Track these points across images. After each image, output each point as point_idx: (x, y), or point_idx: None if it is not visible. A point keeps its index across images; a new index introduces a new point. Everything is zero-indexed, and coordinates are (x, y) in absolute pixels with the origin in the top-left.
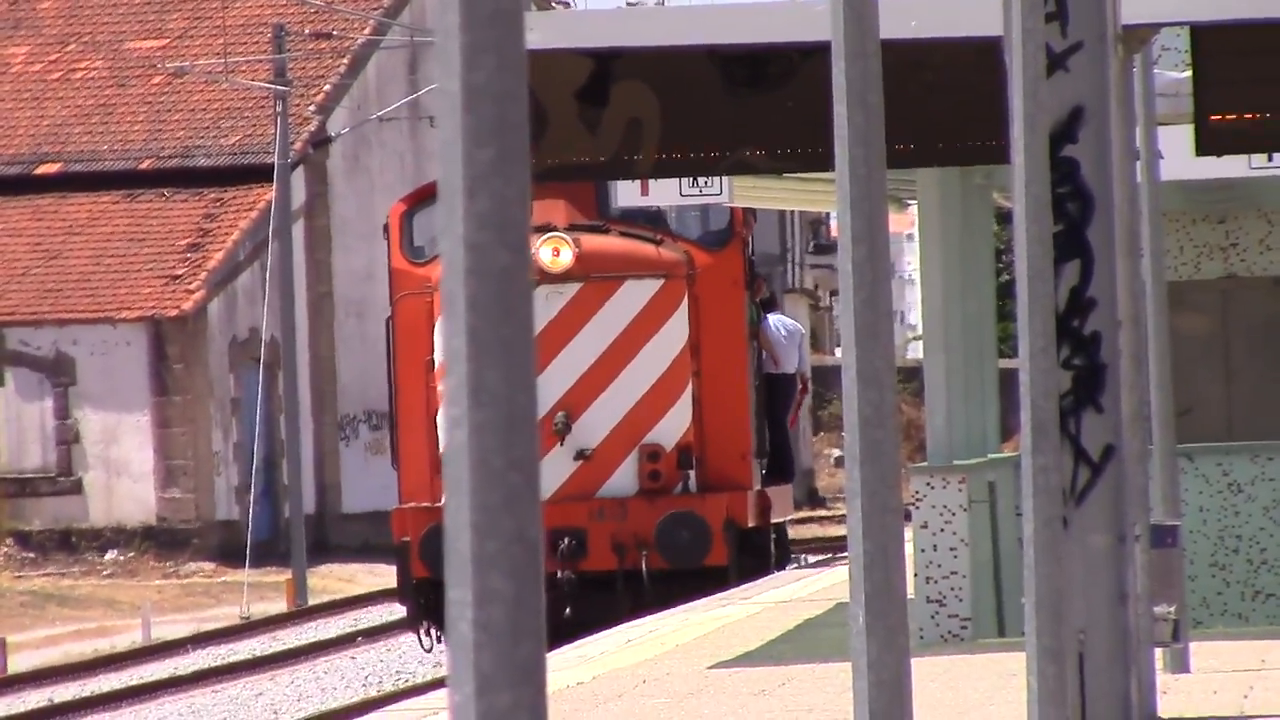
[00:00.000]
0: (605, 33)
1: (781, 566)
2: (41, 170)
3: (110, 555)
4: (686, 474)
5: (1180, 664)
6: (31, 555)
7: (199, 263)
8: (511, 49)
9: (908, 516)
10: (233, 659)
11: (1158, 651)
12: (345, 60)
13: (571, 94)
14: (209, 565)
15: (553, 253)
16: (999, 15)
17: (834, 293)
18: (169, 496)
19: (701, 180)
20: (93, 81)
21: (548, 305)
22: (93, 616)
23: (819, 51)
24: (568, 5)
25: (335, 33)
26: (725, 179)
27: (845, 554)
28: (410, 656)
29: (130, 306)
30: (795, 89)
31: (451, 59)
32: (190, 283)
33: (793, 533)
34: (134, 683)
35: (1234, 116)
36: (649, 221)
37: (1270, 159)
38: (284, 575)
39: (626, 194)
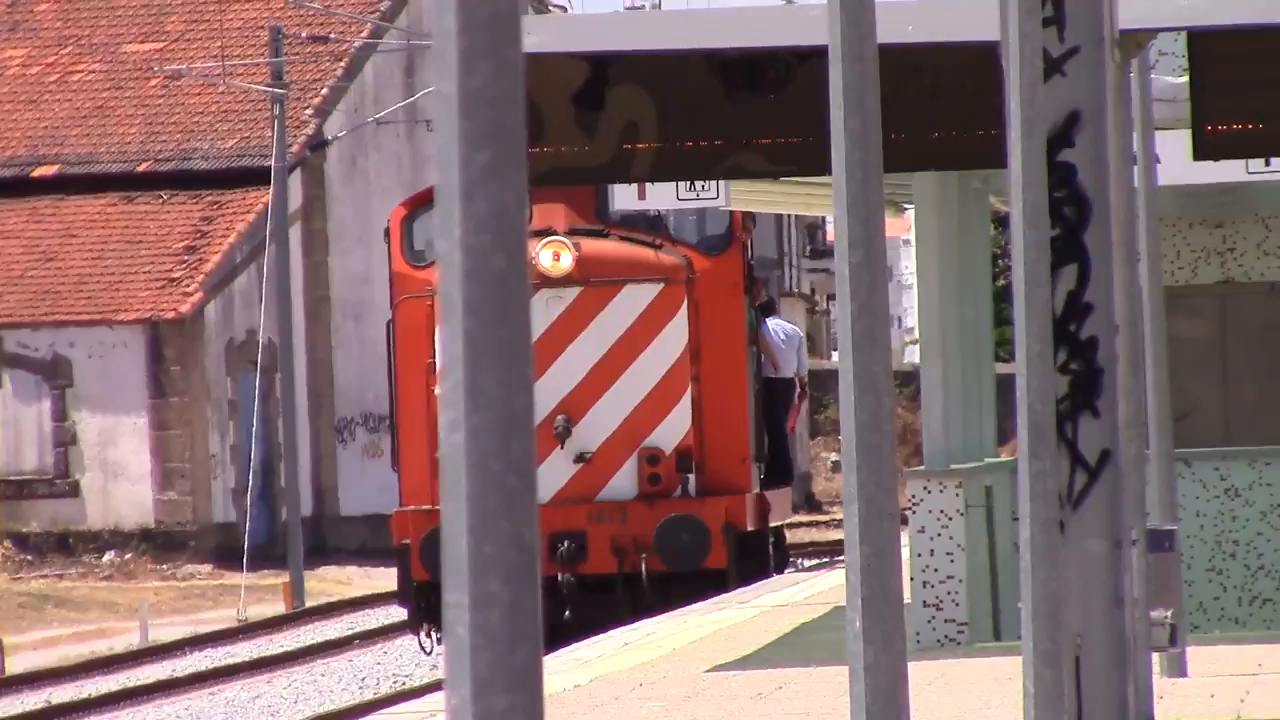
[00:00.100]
0: (602, 37)
1: (780, 569)
2: (39, 172)
3: (108, 557)
4: (686, 477)
5: (1177, 669)
6: (29, 557)
7: (196, 265)
8: (508, 53)
9: (904, 521)
10: (230, 661)
11: (1155, 656)
12: (342, 63)
13: (568, 98)
14: (206, 567)
15: (553, 257)
16: (995, 19)
17: (831, 297)
18: (166, 499)
19: (698, 184)
20: (90, 84)
21: (548, 309)
22: (90, 618)
23: (816, 55)
24: (565, 9)
25: (332, 36)
26: (722, 182)
27: (842, 558)
28: (407, 659)
29: (127, 309)
30: (792, 93)
31: (448, 63)
32: (187, 285)
33: (789, 537)
34: (131, 684)
35: (1231, 121)
36: (649, 226)
37: (1267, 164)
38: (281, 578)
39: (623, 197)
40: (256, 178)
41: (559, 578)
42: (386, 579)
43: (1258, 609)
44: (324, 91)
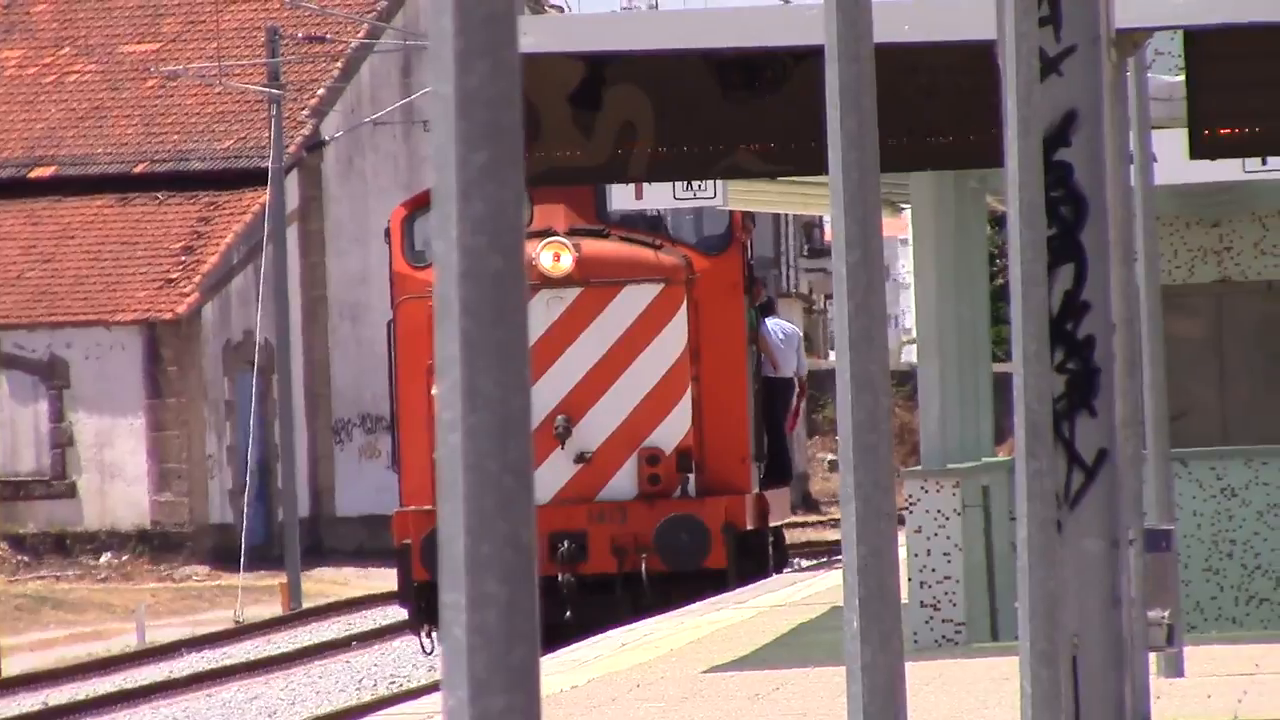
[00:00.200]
0: (599, 37)
1: (779, 569)
2: (35, 174)
3: (104, 558)
4: (686, 477)
5: (1174, 668)
6: (26, 558)
7: (193, 266)
8: (505, 53)
9: (901, 521)
10: (227, 662)
11: (1152, 656)
12: (339, 64)
13: (565, 98)
14: (203, 569)
15: (553, 257)
16: (992, 19)
17: (828, 296)
18: (163, 500)
19: (696, 184)
20: (86, 85)
21: (548, 310)
22: (87, 620)
23: (812, 55)
24: (561, 9)
25: (329, 37)
26: (719, 182)
27: (839, 558)
28: (404, 660)
29: (124, 310)
30: (788, 92)
31: (445, 63)
32: (184, 286)
33: (787, 537)
34: (128, 686)
35: (1228, 120)
36: (649, 226)
37: (1264, 163)
38: (278, 579)
39: (620, 197)
40: (253, 178)
41: (559, 578)
42: (384, 580)
43: (1255, 609)
44: (320, 92)
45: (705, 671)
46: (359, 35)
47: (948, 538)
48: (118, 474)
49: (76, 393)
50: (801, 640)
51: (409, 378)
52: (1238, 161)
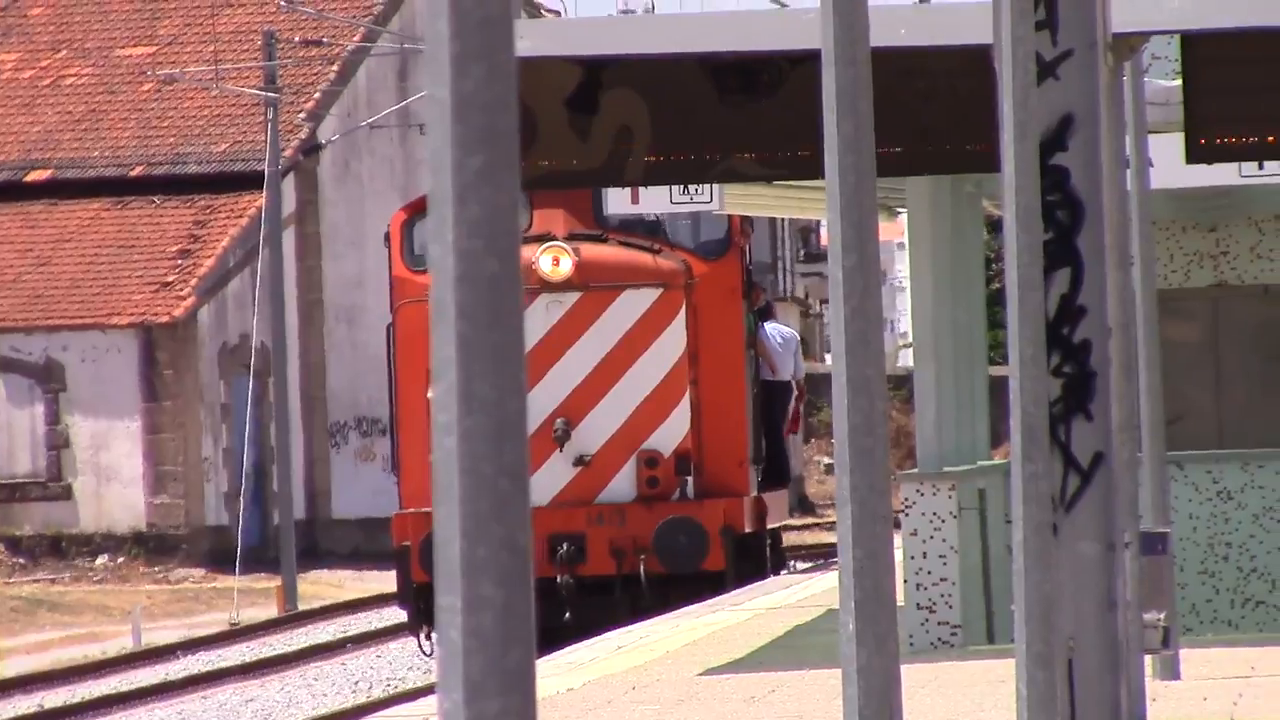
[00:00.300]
0: (595, 40)
1: (777, 571)
2: (31, 177)
3: (100, 561)
4: (684, 480)
5: (1170, 671)
6: (22, 561)
7: (189, 269)
8: (501, 57)
9: (897, 524)
10: (222, 665)
11: (1148, 658)
12: (335, 67)
13: (562, 101)
14: (199, 571)
15: (552, 262)
16: (988, 23)
17: (824, 300)
18: (159, 502)
19: (692, 188)
20: (83, 88)
21: (547, 314)
22: (83, 622)
23: (808, 59)
24: (558, 13)
25: (325, 40)
26: (716, 186)
27: (835, 560)
28: (400, 663)
29: (120, 313)
30: (785, 96)
31: (441, 67)
32: (180, 289)
33: (783, 539)
34: (124, 688)
35: (1224, 125)
36: (647, 231)
37: (1260, 167)
38: (274, 581)
39: (617, 201)
40: (249, 182)
41: (558, 579)
42: (379, 582)
43: (1250, 611)
44: (317, 95)
45: (701, 674)
46: (355, 39)
47: (944, 540)
48: (114, 476)
49: (72, 395)
50: (797, 642)
51: (408, 381)
52: (1234, 166)
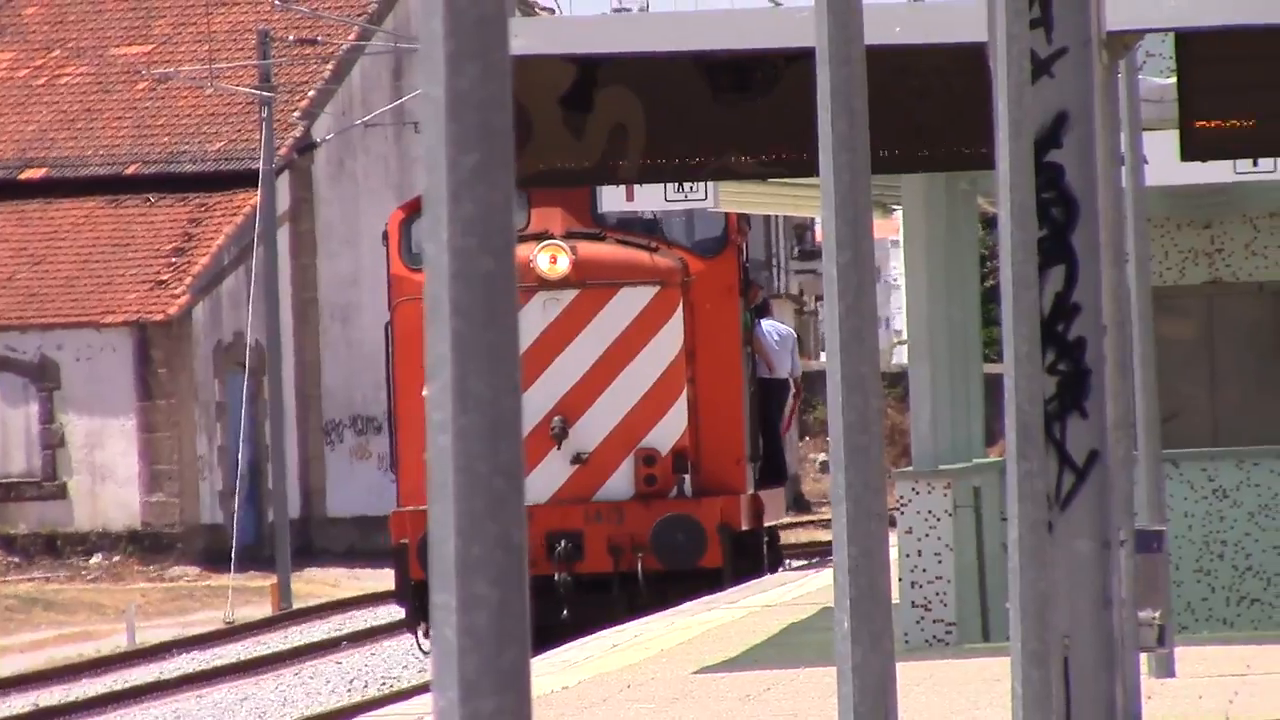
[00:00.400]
0: (590, 39)
1: (774, 568)
2: (26, 175)
3: (95, 559)
4: (682, 478)
5: (1165, 669)
6: (16, 559)
7: (184, 267)
8: (496, 55)
9: (893, 522)
10: (217, 663)
11: (1143, 656)
12: (330, 66)
13: (556, 100)
14: (193, 569)
15: (550, 260)
16: (983, 21)
17: (819, 298)
18: (154, 501)
19: (687, 185)
20: (77, 87)
21: (545, 311)
22: (78, 621)
23: (803, 57)
24: (552, 11)
25: (320, 39)
26: (710, 184)
27: (830, 558)
28: (395, 661)
29: (115, 311)
30: (780, 94)
31: (436, 65)
32: (175, 287)
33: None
34: (119, 687)
35: (1219, 122)
36: (645, 229)
37: (1255, 164)
38: (268, 579)
39: (611, 199)
40: (244, 180)
41: (556, 577)
42: (374, 581)
43: (1245, 609)
44: (311, 94)
45: (696, 672)
46: (350, 38)
47: (939, 538)
48: (108, 475)
49: (67, 394)
50: (792, 641)
51: (406, 379)
52: (1229, 163)
